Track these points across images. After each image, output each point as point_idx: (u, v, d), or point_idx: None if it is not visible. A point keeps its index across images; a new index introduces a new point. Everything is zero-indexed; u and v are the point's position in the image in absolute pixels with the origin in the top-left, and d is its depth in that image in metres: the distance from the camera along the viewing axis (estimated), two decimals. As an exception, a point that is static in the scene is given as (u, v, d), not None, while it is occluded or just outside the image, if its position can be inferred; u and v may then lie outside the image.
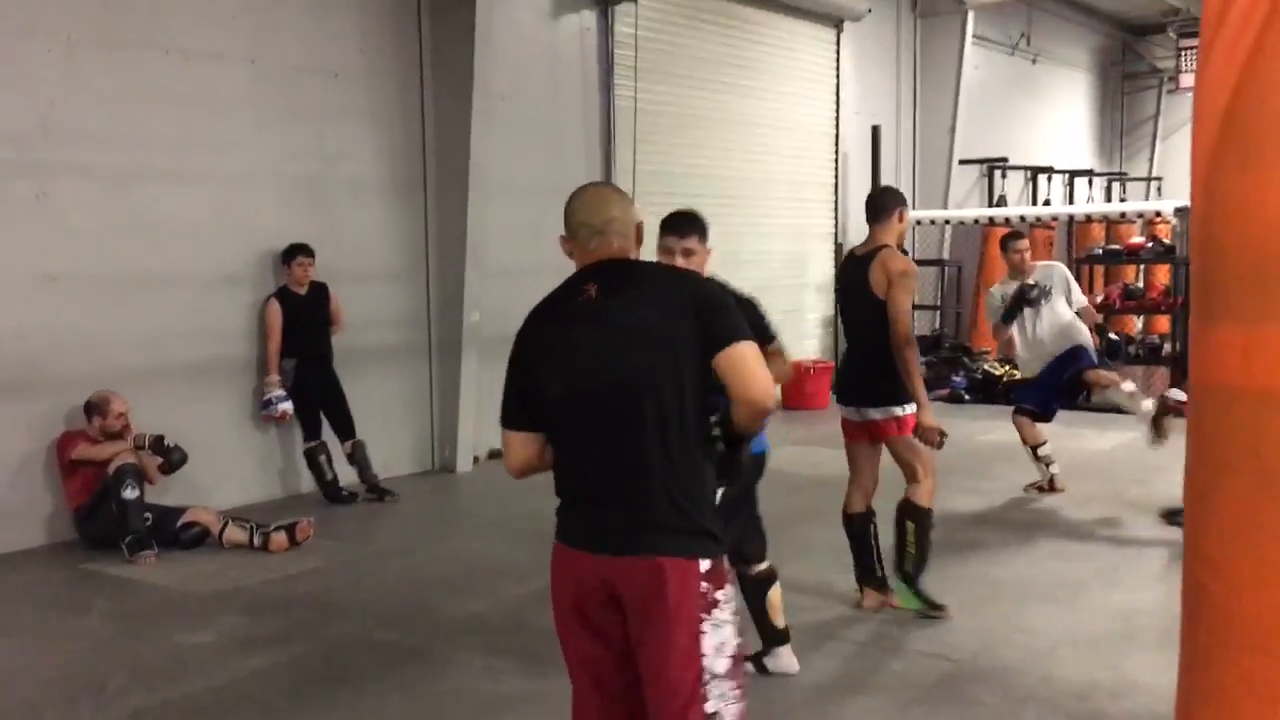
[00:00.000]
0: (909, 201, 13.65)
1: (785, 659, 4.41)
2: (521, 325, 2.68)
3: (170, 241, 7.00)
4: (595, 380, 2.52)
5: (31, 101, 6.34)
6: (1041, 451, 7.52)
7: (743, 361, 2.47)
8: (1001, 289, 7.55)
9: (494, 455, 8.91)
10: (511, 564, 5.96)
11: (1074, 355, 7.40)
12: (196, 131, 7.08)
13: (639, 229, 2.72)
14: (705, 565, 2.49)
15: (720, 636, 2.48)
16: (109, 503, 6.15)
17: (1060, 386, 7.49)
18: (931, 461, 5.07)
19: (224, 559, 6.15)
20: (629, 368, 2.49)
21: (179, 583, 5.75)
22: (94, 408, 6.34)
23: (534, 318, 2.67)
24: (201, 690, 4.35)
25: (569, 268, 2.71)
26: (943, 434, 4.89)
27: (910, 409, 4.94)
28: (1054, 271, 7.58)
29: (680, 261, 3.92)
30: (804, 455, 8.27)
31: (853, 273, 5.09)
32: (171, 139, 6.96)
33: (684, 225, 4.04)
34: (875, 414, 4.99)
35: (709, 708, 2.45)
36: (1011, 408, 7.81)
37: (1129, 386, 7.48)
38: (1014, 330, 7.40)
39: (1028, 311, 7.36)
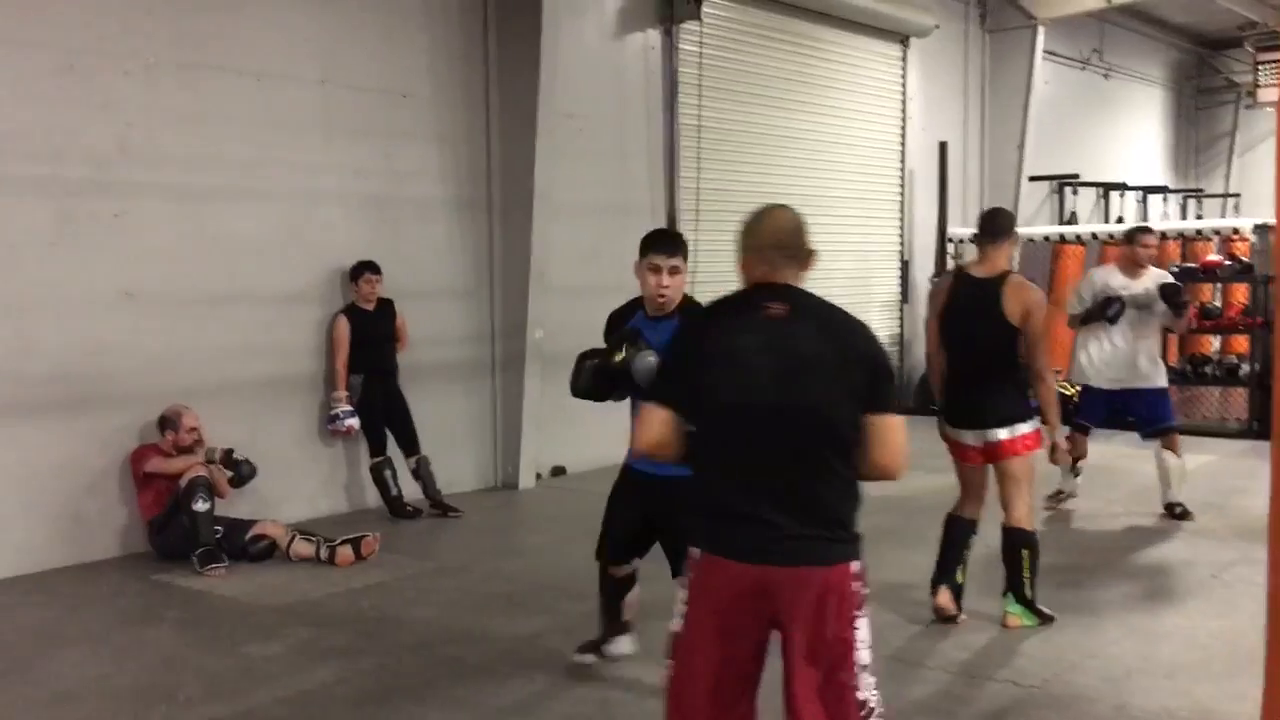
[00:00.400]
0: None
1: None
2: (693, 321, 2.87)
3: (242, 259, 7.13)
4: (774, 395, 2.66)
5: (111, 123, 6.52)
6: (1079, 464, 7.36)
7: (893, 432, 2.74)
8: (1102, 278, 7.17)
9: (556, 473, 8.94)
10: (572, 581, 5.95)
11: (1159, 405, 7.17)
12: (268, 151, 7.23)
13: (813, 257, 2.88)
14: (856, 567, 2.71)
15: (866, 631, 2.69)
16: (181, 515, 6.26)
17: (1115, 418, 7.26)
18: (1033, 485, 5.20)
19: (291, 572, 6.23)
20: (810, 391, 2.67)
21: (248, 595, 5.83)
22: (167, 422, 6.48)
23: (711, 320, 2.85)
24: (269, 701, 4.40)
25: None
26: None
27: (1030, 427, 5.05)
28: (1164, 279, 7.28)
29: (666, 279, 4.11)
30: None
31: (974, 294, 5.12)
32: (244, 159, 7.11)
33: (671, 245, 4.20)
34: (1002, 434, 5.05)
35: (860, 697, 2.66)
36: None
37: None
38: (1092, 336, 7.10)
39: (1130, 315, 7.01)
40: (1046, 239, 12.91)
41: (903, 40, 12.49)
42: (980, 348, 5.12)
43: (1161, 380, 7.25)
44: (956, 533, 5.25)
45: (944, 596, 5.22)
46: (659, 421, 2.74)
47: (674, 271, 4.14)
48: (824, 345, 2.71)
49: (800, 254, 2.83)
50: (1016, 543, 5.12)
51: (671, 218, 9.87)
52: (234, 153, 7.06)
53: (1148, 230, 7.40)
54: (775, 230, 2.84)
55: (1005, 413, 5.05)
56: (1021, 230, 13.18)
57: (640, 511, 4.31)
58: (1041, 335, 5.07)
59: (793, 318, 2.71)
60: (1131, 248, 7.22)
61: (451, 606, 5.64)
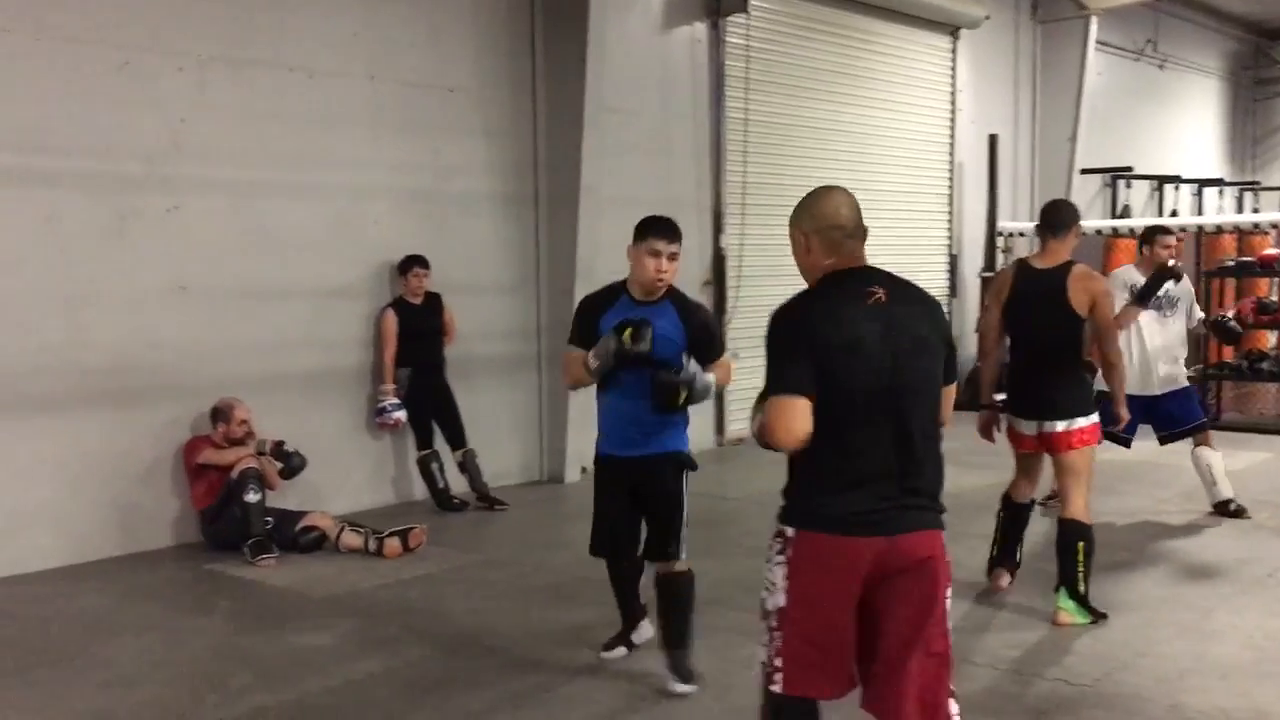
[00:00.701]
0: (1029, 213, 13.34)
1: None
2: (798, 312, 2.88)
3: (291, 253, 7.21)
4: (892, 378, 2.83)
5: (164, 119, 6.61)
6: None
7: (950, 398, 3.07)
8: (1127, 276, 6.94)
9: (602, 466, 8.94)
10: (619, 575, 5.97)
11: (1186, 407, 7.01)
12: (317, 147, 7.30)
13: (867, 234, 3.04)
14: (944, 534, 2.97)
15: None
16: (233, 506, 6.35)
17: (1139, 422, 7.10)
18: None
19: (340, 563, 6.29)
20: (918, 370, 2.89)
21: (298, 585, 5.90)
22: (219, 414, 6.57)
23: (819, 308, 2.89)
24: (318, 690, 4.45)
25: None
26: None
27: (1088, 421, 5.09)
28: (1185, 282, 7.13)
29: (665, 264, 4.19)
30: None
31: (1039, 285, 5.15)
32: (293, 154, 7.19)
33: (672, 230, 4.26)
34: (1059, 426, 5.07)
35: (949, 642, 2.96)
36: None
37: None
38: (1136, 325, 6.88)
39: (1145, 319, 6.84)
40: (1099, 232, 12.73)
41: (952, 32, 12.36)
42: (1045, 339, 5.14)
43: (1184, 380, 7.11)
44: (1013, 514, 5.39)
45: (1002, 579, 5.39)
46: (804, 412, 2.78)
47: (673, 257, 4.24)
48: (925, 327, 2.93)
49: (864, 233, 2.98)
50: (1073, 536, 5.07)
51: (717, 212, 9.85)
52: (284, 148, 7.13)
53: (1166, 230, 7.15)
54: (848, 212, 2.96)
55: (1065, 406, 5.06)
56: (1074, 223, 13.09)
57: (628, 496, 4.41)
58: (1110, 324, 5.17)
59: (892, 301, 2.88)
60: (1151, 248, 6.97)
61: (498, 598, 5.67)
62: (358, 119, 7.51)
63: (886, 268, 3.00)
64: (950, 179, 12.61)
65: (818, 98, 10.81)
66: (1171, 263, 6.83)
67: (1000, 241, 12.67)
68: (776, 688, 2.89)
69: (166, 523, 6.71)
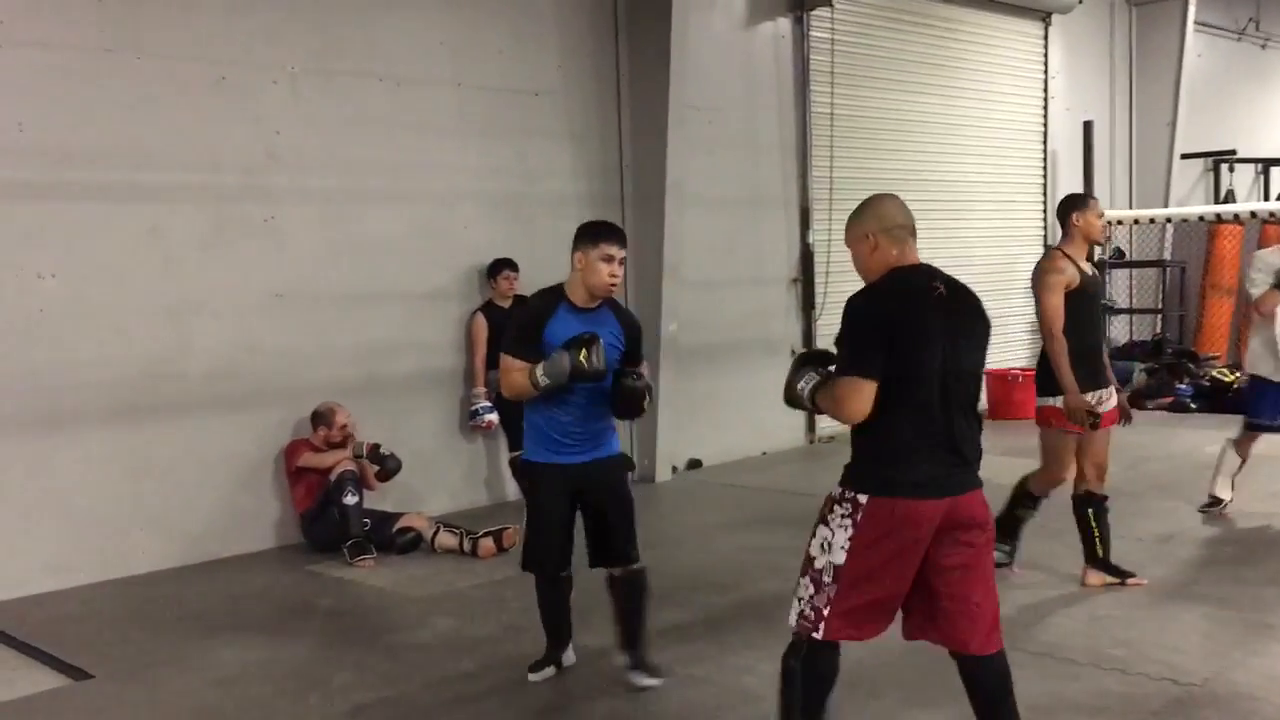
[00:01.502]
0: (1127, 200, 12.97)
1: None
2: (876, 301, 3.26)
3: (383, 259, 7.34)
4: (957, 362, 3.26)
5: (260, 131, 6.78)
6: (1240, 471, 6.89)
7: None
8: (1272, 257, 6.65)
9: (692, 465, 8.94)
10: (711, 575, 5.96)
11: None
12: (406, 154, 7.42)
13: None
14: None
15: None
16: (331, 508, 6.48)
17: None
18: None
19: (436, 563, 6.38)
20: (974, 357, 3.35)
21: (396, 585, 6.00)
22: (320, 418, 6.71)
23: (901, 302, 3.25)
24: (418, 689, 4.52)
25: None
26: (1093, 414, 5.26)
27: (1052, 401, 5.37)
28: None
29: (617, 269, 4.21)
30: (1014, 466, 7.94)
31: (1094, 276, 5.58)
32: (383, 162, 7.31)
33: (622, 235, 4.29)
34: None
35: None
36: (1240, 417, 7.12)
37: None
38: (1264, 324, 6.59)
39: None
40: (1201, 219, 12.33)
41: (1044, 18, 12.07)
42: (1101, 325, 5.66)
43: None
44: (1098, 506, 5.51)
45: (1095, 577, 5.47)
46: (870, 393, 3.17)
47: (622, 261, 4.28)
48: (976, 320, 3.36)
49: (916, 233, 3.40)
50: (1081, 508, 5.51)
51: (804, 208, 9.77)
52: (374, 156, 7.26)
53: None
54: (905, 213, 3.37)
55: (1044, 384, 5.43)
56: (1174, 211, 12.72)
57: (571, 505, 4.34)
58: (1045, 310, 5.36)
59: (950, 296, 3.28)
60: None
61: (592, 598, 5.65)
62: (445, 125, 7.62)
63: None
64: (1044, 167, 12.33)
65: (905, 89, 10.64)
66: None
67: (1097, 230, 12.33)
68: (819, 635, 3.26)
69: (269, 525, 6.88)
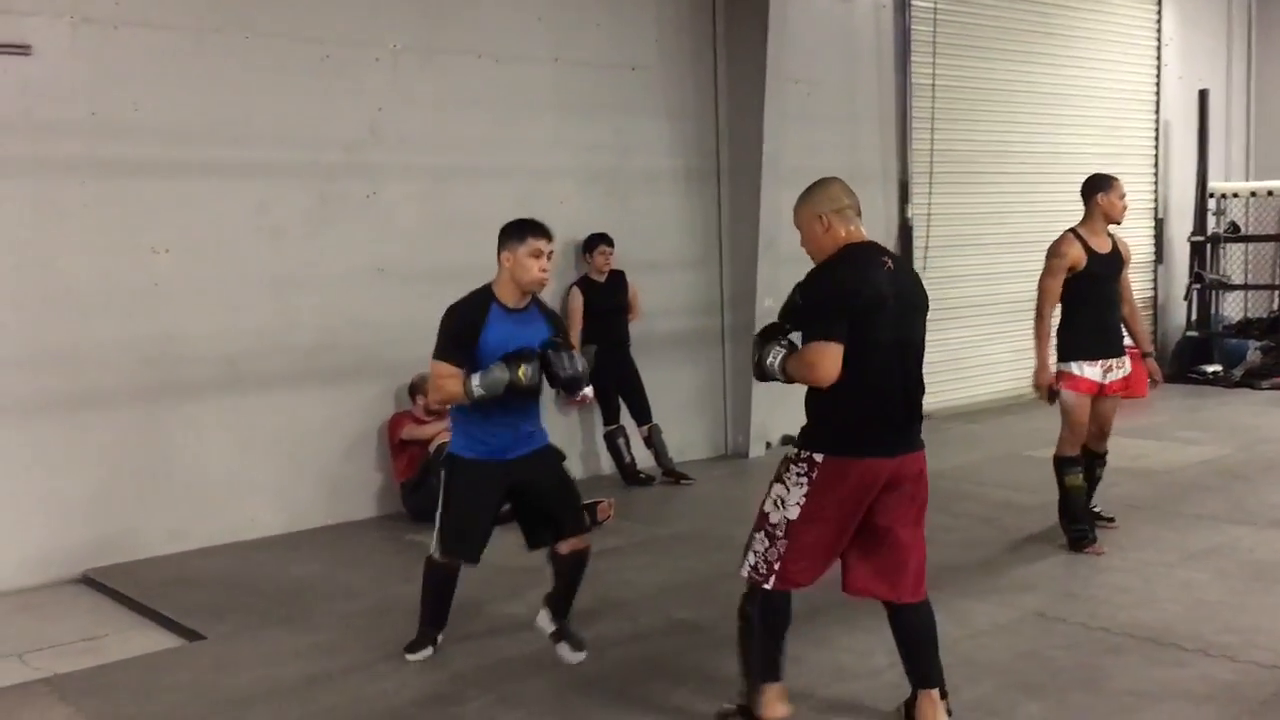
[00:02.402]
0: (1244, 172, 12.46)
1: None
2: (834, 275, 3.54)
3: (480, 234, 7.30)
4: (906, 331, 3.57)
5: (362, 108, 6.91)
6: None
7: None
8: None
9: (785, 441, 8.89)
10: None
11: None
12: (504, 129, 7.48)
13: None
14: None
15: None
16: (431, 478, 6.59)
17: None
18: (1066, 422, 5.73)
19: (532, 535, 6.45)
20: (916, 326, 3.65)
21: (491, 557, 6.01)
22: (417, 389, 6.84)
23: (860, 274, 3.52)
24: (514, 656, 4.61)
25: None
26: (1051, 390, 5.61)
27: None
28: None
29: (547, 263, 4.23)
30: (1124, 447, 7.73)
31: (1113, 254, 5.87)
32: (482, 138, 7.39)
33: (547, 230, 4.29)
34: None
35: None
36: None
37: None
38: None
39: None
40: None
41: (1157, -18, 11.66)
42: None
43: None
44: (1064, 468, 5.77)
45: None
46: (837, 355, 3.44)
47: (550, 255, 4.29)
48: (919, 293, 3.70)
49: (861, 212, 3.71)
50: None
51: (903, 181, 9.60)
52: (473, 132, 7.34)
53: None
54: (851, 195, 3.68)
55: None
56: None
57: (499, 500, 4.40)
58: (1042, 286, 5.75)
59: (897, 270, 3.60)
60: None
61: (687, 572, 5.72)
62: (543, 101, 7.66)
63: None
64: (1156, 138, 11.93)
65: (1009, 59, 10.37)
66: None
67: (1211, 204, 11.90)
68: (769, 585, 3.61)
69: (371, 494, 7.04)
